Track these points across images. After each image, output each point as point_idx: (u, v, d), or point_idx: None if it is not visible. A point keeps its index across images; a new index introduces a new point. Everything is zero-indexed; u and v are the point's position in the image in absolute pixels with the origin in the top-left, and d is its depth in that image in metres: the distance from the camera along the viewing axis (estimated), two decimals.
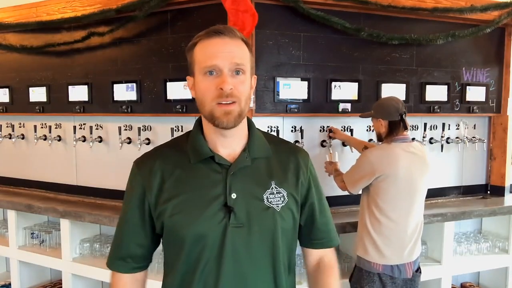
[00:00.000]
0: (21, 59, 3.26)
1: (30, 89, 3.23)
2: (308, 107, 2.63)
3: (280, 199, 1.11)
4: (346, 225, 2.47)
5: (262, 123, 2.63)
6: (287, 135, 2.68)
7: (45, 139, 3.26)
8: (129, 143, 2.93)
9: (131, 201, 1.14)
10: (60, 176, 3.27)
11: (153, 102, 2.75)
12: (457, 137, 3.12)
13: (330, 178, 2.58)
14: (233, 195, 1.07)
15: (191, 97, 2.59)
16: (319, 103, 2.66)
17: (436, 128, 3.08)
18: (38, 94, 3.20)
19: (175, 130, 2.77)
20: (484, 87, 3.10)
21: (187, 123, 2.75)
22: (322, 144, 2.76)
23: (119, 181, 3.00)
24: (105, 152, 3.07)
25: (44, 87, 3.17)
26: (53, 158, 3.30)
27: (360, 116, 2.50)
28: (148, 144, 2.87)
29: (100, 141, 3.05)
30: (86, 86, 2.98)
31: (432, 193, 3.09)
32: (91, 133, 3.07)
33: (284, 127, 2.69)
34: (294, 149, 1.23)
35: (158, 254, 2.78)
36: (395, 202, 2.13)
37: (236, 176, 1.09)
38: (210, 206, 1.06)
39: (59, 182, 3.27)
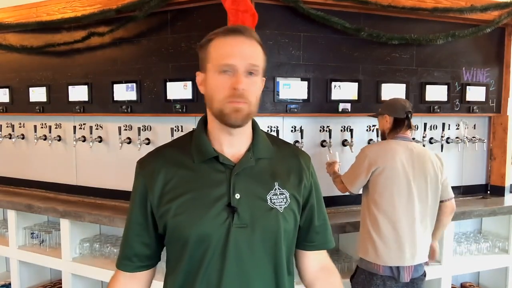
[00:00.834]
0: (21, 59, 3.26)
1: (30, 89, 3.23)
2: (308, 107, 2.63)
3: (283, 200, 1.11)
4: (346, 225, 2.47)
5: (262, 123, 2.62)
6: (287, 135, 2.68)
7: (45, 139, 3.26)
8: (129, 143, 2.93)
9: (135, 201, 1.15)
10: (60, 176, 3.27)
11: (153, 102, 2.75)
12: (457, 137, 3.12)
13: (330, 178, 2.58)
14: (237, 195, 1.07)
15: (191, 97, 2.62)
16: (319, 103, 2.66)
17: (436, 128, 3.08)
18: (38, 94, 3.20)
19: (175, 130, 2.77)
20: (484, 87, 3.10)
21: (187, 123, 2.75)
22: (322, 144, 2.76)
23: (119, 181, 3.00)
24: (105, 152, 3.07)
25: (44, 87, 3.17)
26: (53, 158, 3.30)
27: (369, 115, 2.54)
28: (148, 144, 2.87)
29: (100, 141, 3.05)
30: (86, 86, 2.98)
31: None
32: (91, 133, 3.07)
33: (284, 127, 2.69)
34: (297, 151, 1.24)
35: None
36: (392, 197, 2.11)
37: (240, 176, 1.09)
38: (214, 206, 1.06)
39: (59, 182, 3.27)
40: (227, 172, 1.09)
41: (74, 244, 2.87)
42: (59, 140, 3.24)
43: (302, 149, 2.62)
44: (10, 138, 3.45)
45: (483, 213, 2.88)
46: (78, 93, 3.01)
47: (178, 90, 2.64)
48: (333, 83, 2.67)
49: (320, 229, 1.23)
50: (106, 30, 2.74)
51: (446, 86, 2.97)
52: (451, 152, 3.15)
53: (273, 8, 2.50)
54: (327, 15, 2.53)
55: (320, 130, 2.77)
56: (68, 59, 3.05)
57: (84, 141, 3.09)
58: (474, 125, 3.23)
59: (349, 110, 2.72)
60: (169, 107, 2.68)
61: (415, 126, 3.02)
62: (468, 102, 3.06)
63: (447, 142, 3.06)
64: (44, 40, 3.07)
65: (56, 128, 3.27)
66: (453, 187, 3.16)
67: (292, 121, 2.69)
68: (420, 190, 2.17)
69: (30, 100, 3.24)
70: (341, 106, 2.70)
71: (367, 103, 2.76)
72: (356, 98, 2.73)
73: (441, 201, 2.27)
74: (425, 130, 3.01)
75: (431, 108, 2.93)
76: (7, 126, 3.49)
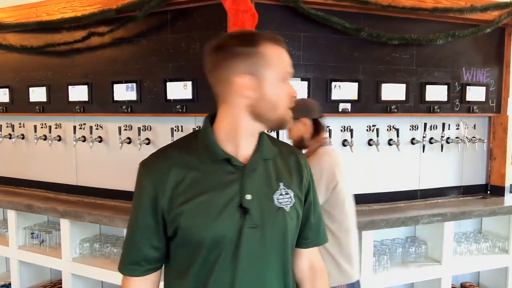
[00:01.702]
0: (21, 59, 3.26)
1: (30, 89, 3.23)
2: None
3: (288, 199, 1.13)
4: None
5: None
6: (287, 135, 2.68)
7: (45, 139, 3.26)
8: (129, 143, 2.93)
9: (144, 205, 1.11)
10: (60, 176, 3.27)
11: (153, 102, 2.75)
12: (457, 137, 3.11)
13: None
14: (248, 196, 1.08)
15: (191, 97, 2.62)
16: (319, 103, 2.65)
17: (436, 128, 3.08)
18: (38, 94, 3.20)
19: (175, 130, 2.77)
20: (484, 87, 3.10)
21: (187, 123, 2.75)
22: None
23: (119, 181, 3.00)
24: (105, 152, 3.07)
25: (44, 87, 3.17)
26: (53, 158, 3.30)
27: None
28: (148, 144, 2.87)
29: (100, 141, 3.06)
30: (86, 86, 2.98)
31: (432, 193, 3.11)
32: (91, 133, 3.07)
33: None
34: (295, 150, 1.26)
35: None
36: (347, 209, 1.95)
37: (250, 177, 1.10)
38: (226, 207, 1.06)
39: (59, 182, 3.27)
40: (238, 173, 1.09)
41: (74, 244, 2.87)
42: (59, 140, 3.24)
43: (302, 149, 2.63)
44: (10, 138, 3.45)
45: (483, 213, 2.88)
46: (78, 93, 3.01)
47: (178, 90, 2.64)
48: (333, 83, 2.67)
49: (315, 226, 1.25)
50: (106, 30, 2.74)
51: (446, 86, 2.97)
52: (451, 152, 3.15)
53: (273, 8, 2.50)
54: (327, 15, 2.53)
55: None
56: (68, 59, 3.05)
57: (84, 141, 3.09)
58: (474, 125, 3.23)
59: (349, 110, 2.72)
60: (169, 107, 2.68)
61: (415, 126, 3.02)
62: (468, 102, 3.06)
63: (447, 142, 3.06)
64: (44, 40, 3.07)
65: (56, 128, 3.27)
66: (453, 187, 3.20)
67: None
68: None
69: (30, 100, 3.23)
70: (341, 106, 2.70)
71: (367, 103, 2.76)
72: (356, 98, 2.73)
73: None
74: (425, 130, 3.01)
75: (431, 108, 2.93)
76: (7, 126, 3.49)
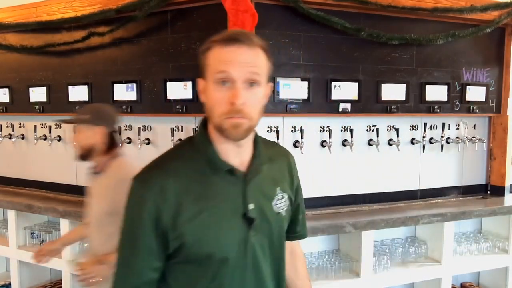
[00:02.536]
0: (21, 59, 3.26)
1: (30, 89, 3.23)
2: (308, 107, 2.62)
3: (284, 203, 1.15)
4: (346, 225, 2.47)
5: (262, 123, 2.62)
6: (287, 135, 2.68)
7: (45, 139, 3.26)
8: (129, 143, 2.93)
9: (143, 224, 1.01)
10: (60, 176, 3.27)
11: (153, 102, 2.75)
12: (457, 137, 3.11)
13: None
14: (251, 206, 1.07)
15: (191, 97, 2.62)
16: (319, 103, 2.65)
17: (436, 128, 3.08)
18: (38, 94, 3.20)
19: (175, 130, 2.77)
20: (484, 87, 3.10)
21: (187, 123, 2.75)
22: (322, 144, 2.76)
23: None
24: None
25: (44, 87, 3.17)
26: (53, 158, 3.30)
27: (65, 122, 2.06)
28: (148, 144, 2.87)
29: None
30: (86, 86, 2.98)
31: (432, 193, 3.11)
32: None
33: (284, 127, 2.69)
34: (284, 151, 1.28)
35: None
36: None
37: (250, 186, 1.08)
38: (232, 219, 1.05)
39: (59, 182, 3.27)
40: (239, 183, 1.07)
41: (74, 244, 2.87)
42: (59, 140, 3.24)
43: (302, 149, 2.64)
44: (10, 138, 3.45)
45: (483, 213, 2.88)
46: (78, 93, 3.01)
47: (178, 90, 2.64)
48: (333, 83, 2.67)
49: (302, 221, 1.32)
50: (106, 30, 2.74)
51: (446, 86, 2.97)
52: (451, 152, 3.15)
53: (273, 8, 2.50)
54: (327, 15, 2.53)
55: (320, 130, 2.77)
56: (68, 59, 3.05)
57: None
58: (474, 125, 3.23)
59: (349, 110, 2.72)
60: (169, 107, 2.68)
61: (415, 126, 3.02)
62: (468, 102, 3.06)
63: (447, 142, 3.06)
64: (44, 40, 3.07)
65: (56, 128, 3.26)
66: (453, 187, 3.20)
67: (292, 121, 2.69)
68: None
69: (30, 100, 3.23)
70: (341, 106, 2.70)
71: (367, 103, 2.76)
72: (356, 98, 2.73)
73: None
74: (425, 130, 3.01)
75: (431, 108, 2.93)
76: (7, 126, 3.49)
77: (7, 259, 3.42)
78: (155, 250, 1.03)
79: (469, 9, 2.77)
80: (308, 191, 2.73)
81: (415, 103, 2.89)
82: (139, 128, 2.86)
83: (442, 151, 3.05)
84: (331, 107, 2.68)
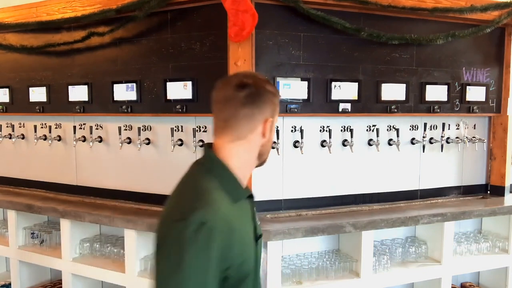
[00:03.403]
0: (21, 59, 3.26)
1: (30, 89, 3.23)
2: (308, 107, 2.62)
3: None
4: (346, 225, 2.47)
5: None
6: (287, 135, 2.68)
7: (45, 139, 3.26)
8: (129, 143, 2.93)
9: (211, 272, 0.97)
10: (60, 176, 3.27)
11: (153, 102, 2.75)
12: (457, 137, 3.11)
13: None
14: (258, 222, 1.23)
15: (191, 97, 2.62)
16: (319, 103, 2.65)
17: (436, 128, 3.08)
18: (38, 94, 3.20)
19: (175, 130, 2.77)
20: (484, 87, 3.10)
21: (187, 123, 2.75)
22: (322, 144, 2.76)
23: (119, 181, 3.00)
24: (105, 152, 3.07)
25: (44, 87, 3.17)
26: (53, 158, 3.31)
27: None
28: (148, 144, 2.87)
29: (100, 141, 3.06)
30: (86, 86, 2.98)
31: (432, 193, 3.11)
32: (91, 133, 3.07)
33: (284, 127, 2.69)
34: None
35: None
36: None
37: (253, 206, 1.26)
38: (251, 237, 1.18)
39: (59, 182, 3.27)
40: (250, 204, 1.23)
41: (74, 244, 2.87)
42: (59, 140, 3.24)
43: (302, 149, 2.64)
44: (10, 138, 3.45)
45: (483, 213, 2.88)
46: (78, 93, 3.01)
47: (178, 90, 2.64)
48: (333, 83, 2.67)
49: None
50: (106, 30, 2.74)
51: (446, 86, 2.97)
52: (451, 152, 3.15)
53: (273, 8, 2.50)
54: (327, 15, 2.53)
55: (320, 130, 2.77)
56: (68, 59, 3.05)
57: (84, 141, 3.09)
58: (474, 125, 3.23)
59: (349, 110, 2.72)
60: (169, 107, 2.68)
61: (415, 126, 3.02)
62: (468, 102, 3.06)
63: (447, 142, 3.06)
64: (44, 40, 3.07)
65: (56, 128, 3.27)
66: (453, 187, 3.20)
67: (292, 121, 2.69)
68: None
69: (30, 100, 3.23)
70: (341, 106, 2.70)
71: (367, 103, 2.76)
72: (356, 98, 2.73)
73: None
74: (425, 130, 3.01)
75: (431, 108, 2.93)
76: (7, 126, 3.49)
77: (7, 259, 3.43)
78: None
79: (469, 9, 2.77)
80: (308, 191, 2.75)
81: (415, 103, 2.89)
82: (139, 128, 2.86)
83: (442, 151, 3.05)
84: (331, 107, 2.68)
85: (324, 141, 2.76)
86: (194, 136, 2.67)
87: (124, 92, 2.83)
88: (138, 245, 2.62)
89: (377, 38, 2.65)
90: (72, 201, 3.06)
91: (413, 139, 3.01)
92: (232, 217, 1.04)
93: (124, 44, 2.83)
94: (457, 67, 3.01)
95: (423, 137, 2.99)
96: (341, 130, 2.82)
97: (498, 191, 3.21)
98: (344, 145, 2.82)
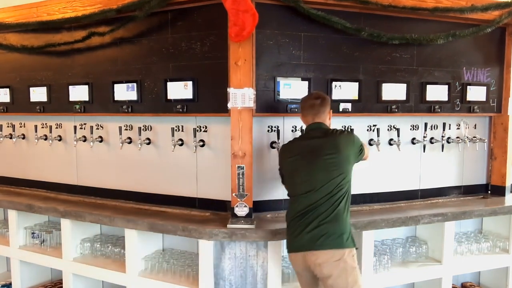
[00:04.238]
0: (21, 59, 3.27)
1: (31, 89, 3.23)
2: None
3: None
4: None
5: (263, 123, 2.63)
6: (287, 135, 2.68)
7: (45, 139, 3.26)
8: (129, 143, 2.94)
9: None
10: (60, 176, 3.27)
11: (154, 102, 2.75)
12: (457, 137, 3.11)
13: None
14: None
15: (191, 97, 2.63)
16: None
17: (437, 128, 3.08)
18: (38, 94, 3.20)
19: (176, 130, 2.77)
20: (485, 87, 3.10)
21: (188, 123, 2.75)
22: None
23: (119, 181, 3.00)
24: (105, 152, 3.07)
25: (45, 87, 3.17)
26: (53, 158, 3.31)
27: None
28: (148, 144, 2.87)
29: (101, 141, 3.06)
30: (86, 86, 2.98)
31: (433, 193, 3.11)
32: (91, 133, 3.07)
33: (285, 127, 2.69)
34: None
35: (159, 253, 2.79)
36: None
37: None
38: None
39: (59, 182, 3.28)
40: None
41: (74, 244, 2.88)
42: (60, 140, 3.25)
43: None
44: (10, 138, 3.46)
45: (483, 213, 2.88)
46: (79, 93, 3.01)
47: (178, 90, 2.64)
48: (334, 83, 2.67)
49: None
50: (106, 30, 2.74)
51: (446, 86, 2.97)
52: (452, 152, 3.15)
53: (274, 8, 2.50)
54: (327, 15, 2.53)
55: None
56: (69, 59, 3.05)
57: (84, 141, 3.10)
58: (475, 125, 3.23)
59: (350, 110, 2.72)
60: (169, 107, 2.68)
61: (415, 126, 3.02)
62: (469, 102, 3.06)
63: (448, 142, 3.06)
64: (44, 40, 3.07)
65: (56, 128, 3.27)
66: (453, 187, 3.20)
67: (292, 121, 2.69)
68: None
69: (31, 100, 3.24)
70: (342, 106, 2.70)
71: (367, 103, 2.76)
72: (357, 98, 2.73)
73: None
74: (425, 130, 3.01)
75: (431, 108, 2.93)
76: (8, 126, 3.50)
77: (8, 259, 3.43)
78: None
79: (470, 9, 2.77)
80: None
81: (416, 103, 2.89)
82: (139, 128, 2.86)
83: (442, 151, 3.05)
84: (331, 107, 2.67)
85: None
86: (195, 136, 2.67)
87: (124, 92, 2.83)
88: (139, 245, 2.62)
89: (378, 38, 2.65)
90: (73, 201, 3.06)
91: (413, 139, 3.01)
92: None
93: (125, 44, 2.83)
94: (458, 67, 3.00)
95: (424, 137, 2.99)
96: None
97: (499, 191, 3.21)
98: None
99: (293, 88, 2.57)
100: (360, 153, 2.21)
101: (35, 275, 3.21)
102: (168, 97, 2.68)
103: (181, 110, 2.64)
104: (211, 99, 2.57)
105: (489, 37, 3.03)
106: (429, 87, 2.91)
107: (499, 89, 3.17)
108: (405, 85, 2.84)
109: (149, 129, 2.89)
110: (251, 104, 2.42)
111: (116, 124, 2.96)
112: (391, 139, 2.94)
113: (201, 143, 2.70)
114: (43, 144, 3.31)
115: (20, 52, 3.21)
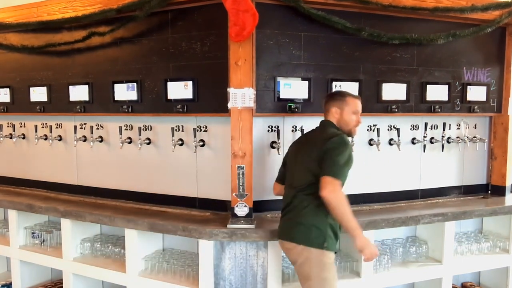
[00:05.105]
0: (22, 59, 3.27)
1: (31, 89, 3.23)
2: (309, 106, 2.62)
3: None
4: None
5: (263, 123, 2.63)
6: (287, 135, 2.68)
7: (46, 139, 3.26)
8: (129, 143, 2.94)
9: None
10: (61, 175, 3.28)
11: (154, 102, 2.75)
12: (457, 137, 3.11)
13: None
14: None
15: (191, 97, 2.63)
16: (319, 103, 2.64)
17: (437, 128, 3.08)
18: (38, 94, 3.20)
19: (176, 130, 2.77)
20: (485, 87, 3.10)
21: (188, 123, 2.75)
22: None
23: (119, 181, 3.00)
24: (105, 152, 3.07)
25: (45, 87, 3.17)
26: (54, 158, 3.31)
27: None
28: (148, 144, 2.87)
29: (101, 141, 3.06)
30: (86, 86, 2.98)
31: (433, 193, 3.11)
32: (91, 133, 3.07)
33: (285, 127, 2.69)
34: None
35: (159, 253, 2.78)
36: None
37: None
38: None
39: (60, 182, 3.28)
40: None
41: (75, 243, 2.88)
42: (60, 140, 3.25)
43: None
44: (11, 138, 3.46)
45: (484, 213, 2.88)
46: (79, 93, 3.02)
47: (178, 90, 2.64)
48: (334, 83, 2.67)
49: None
50: (106, 30, 2.74)
51: (447, 86, 2.97)
52: (452, 152, 3.15)
53: (274, 8, 2.50)
54: (327, 15, 2.53)
55: None
56: (69, 59, 3.05)
57: (84, 141, 3.10)
58: (475, 125, 3.23)
59: None
60: (169, 107, 2.68)
61: (415, 125, 3.02)
62: (469, 101, 3.06)
63: (448, 142, 3.06)
64: (44, 40, 3.07)
65: (56, 128, 3.27)
66: (453, 187, 3.20)
67: (292, 120, 2.69)
68: None
69: (31, 100, 3.24)
70: None
71: (368, 102, 2.75)
72: None
73: None
74: (425, 130, 3.01)
75: (431, 107, 2.93)
76: (8, 126, 3.50)
77: (8, 259, 3.43)
78: None
79: (470, 8, 2.77)
80: None
81: (416, 103, 2.89)
82: (139, 128, 2.86)
83: (442, 151, 3.05)
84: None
85: None
86: (195, 136, 2.67)
87: (124, 92, 2.83)
88: (139, 245, 2.62)
89: (378, 37, 2.65)
90: (73, 200, 3.06)
91: (413, 138, 3.01)
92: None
93: (125, 44, 2.83)
94: (458, 67, 3.00)
95: (424, 136, 2.99)
96: None
97: (499, 191, 3.21)
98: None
99: (293, 88, 2.57)
100: (332, 165, 2.02)
101: (35, 275, 3.21)
102: (168, 97, 2.68)
103: (181, 110, 2.64)
104: (211, 99, 2.57)
105: (489, 37, 3.03)
106: (429, 87, 2.91)
107: (499, 89, 3.17)
108: (405, 85, 2.84)
109: (149, 129, 2.89)
110: (251, 104, 2.42)
111: (116, 124, 2.96)
112: (391, 139, 2.94)
113: (201, 143, 2.70)
114: (43, 144, 3.31)
115: (20, 52, 3.21)
